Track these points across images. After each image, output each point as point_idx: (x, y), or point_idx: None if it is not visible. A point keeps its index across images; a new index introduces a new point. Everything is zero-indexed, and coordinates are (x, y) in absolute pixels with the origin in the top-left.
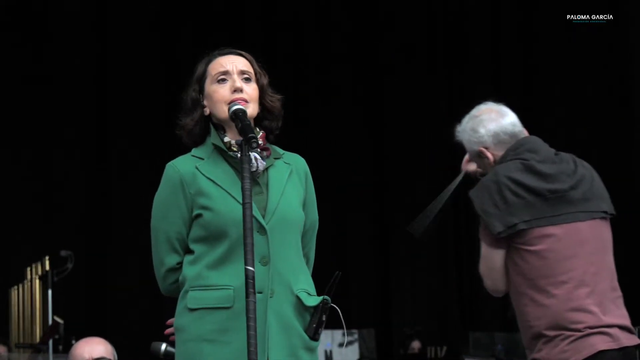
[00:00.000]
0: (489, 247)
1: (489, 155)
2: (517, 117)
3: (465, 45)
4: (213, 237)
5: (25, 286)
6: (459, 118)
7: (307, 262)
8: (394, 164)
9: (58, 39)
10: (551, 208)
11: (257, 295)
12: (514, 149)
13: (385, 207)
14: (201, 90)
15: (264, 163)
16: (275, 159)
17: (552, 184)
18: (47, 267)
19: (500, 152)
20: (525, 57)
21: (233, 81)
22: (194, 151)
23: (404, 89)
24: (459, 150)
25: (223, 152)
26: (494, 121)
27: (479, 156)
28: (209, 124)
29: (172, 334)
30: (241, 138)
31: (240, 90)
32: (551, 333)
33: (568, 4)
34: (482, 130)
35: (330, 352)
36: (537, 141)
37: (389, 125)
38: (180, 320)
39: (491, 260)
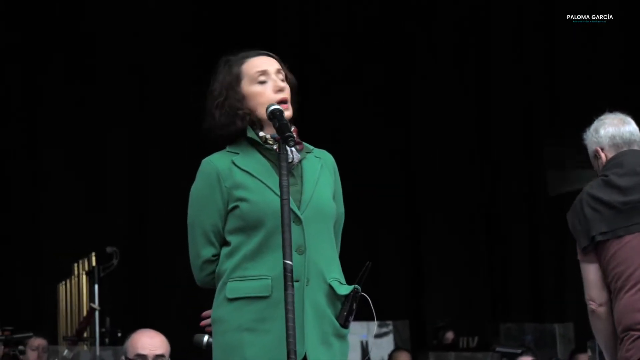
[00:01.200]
0: (582, 262)
1: (603, 156)
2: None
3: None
4: (249, 227)
5: (73, 281)
6: (484, 107)
7: None
8: (424, 156)
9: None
10: (626, 218)
11: (295, 283)
12: (611, 160)
13: (417, 201)
14: (236, 91)
15: (299, 155)
16: (307, 153)
17: (627, 196)
18: (94, 263)
19: (612, 155)
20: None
21: (274, 81)
22: (228, 147)
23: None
24: (486, 139)
25: (258, 145)
26: (614, 126)
27: (595, 157)
28: (243, 122)
29: (208, 325)
30: (275, 132)
31: (282, 90)
32: (622, 335)
33: (568, 4)
34: (602, 132)
35: (366, 343)
36: (630, 154)
37: (417, 116)
38: (219, 311)
39: (585, 273)
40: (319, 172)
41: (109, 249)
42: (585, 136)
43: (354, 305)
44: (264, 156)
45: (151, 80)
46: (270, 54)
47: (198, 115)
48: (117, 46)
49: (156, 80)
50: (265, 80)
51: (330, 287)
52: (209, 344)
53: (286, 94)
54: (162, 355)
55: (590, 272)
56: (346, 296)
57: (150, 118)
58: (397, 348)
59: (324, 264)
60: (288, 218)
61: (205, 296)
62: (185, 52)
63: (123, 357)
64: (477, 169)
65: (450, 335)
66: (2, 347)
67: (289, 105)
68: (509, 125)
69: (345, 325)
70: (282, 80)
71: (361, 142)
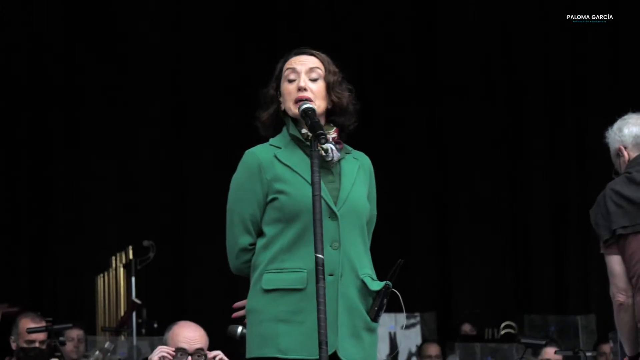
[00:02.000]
0: (606, 255)
1: (625, 154)
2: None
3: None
4: (286, 219)
5: (111, 274)
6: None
7: None
8: (454, 152)
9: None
10: None
11: (329, 277)
12: (635, 159)
13: (446, 193)
14: (278, 87)
15: (339, 154)
16: (347, 153)
17: None
18: (131, 256)
19: (635, 154)
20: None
21: (299, 81)
22: (271, 141)
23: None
24: (514, 136)
25: (300, 142)
26: (638, 125)
27: (617, 155)
28: (284, 117)
29: (241, 317)
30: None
31: (305, 89)
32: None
33: (568, 4)
34: (625, 130)
35: (394, 334)
36: None
37: (448, 116)
38: (254, 302)
39: (610, 266)
40: (357, 172)
41: (145, 243)
42: (607, 134)
43: (385, 300)
44: (305, 152)
45: (185, 70)
46: (315, 53)
47: (233, 106)
48: (152, 35)
49: (191, 70)
50: (293, 79)
51: (363, 282)
52: (242, 335)
53: (306, 93)
54: (201, 349)
55: (616, 264)
56: (377, 292)
57: (186, 110)
58: (427, 340)
59: (357, 260)
60: (320, 213)
61: (240, 288)
62: (221, 39)
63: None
64: (504, 161)
65: (467, 327)
66: (47, 337)
67: (314, 100)
68: (537, 116)
69: (375, 319)
70: (313, 79)
71: (391, 132)
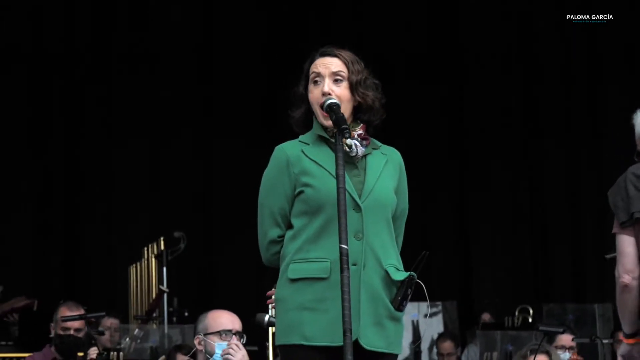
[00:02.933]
0: (619, 235)
1: None
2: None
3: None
4: (312, 211)
5: (143, 264)
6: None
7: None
8: (473, 142)
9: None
10: None
11: (352, 267)
12: None
13: (465, 186)
14: (305, 87)
15: (363, 150)
16: (374, 149)
17: None
18: (162, 247)
19: None
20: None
21: (323, 85)
22: (301, 137)
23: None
24: (532, 127)
25: (325, 139)
26: None
27: None
28: (313, 115)
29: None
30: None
31: (329, 94)
32: None
33: (568, 4)
34: None
35: (417, 322)
36: None
37: (468, 105)
38: (281, 291)
39: (620, 246)
40: (383, 166)
41: (176, 234)
42: (634, 117)
43: (409, 290)
44: (331, 148)
45: (216, 66)
46: (339, 54)
47: (262, 100)
48: (183, 27)
49: (221, 66)
50: (317, 82)
51: (386, 272)
52: (269, 323)
53: (332, 97)
54: (240, 332)
55: (627, 245)
56: (401, 282)
57: (216, 102)
58: (442, 335)
59: (381, 251)
60: (344, 205)
61: (268, 277)
62: (252, 32)
63: (201, 335)
64: (522, 151)
65: (486, 316)
66: (84, 325)
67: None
68: (555, 106)
69: (399, 309)
70: (336, 81)
71: (411, 125)
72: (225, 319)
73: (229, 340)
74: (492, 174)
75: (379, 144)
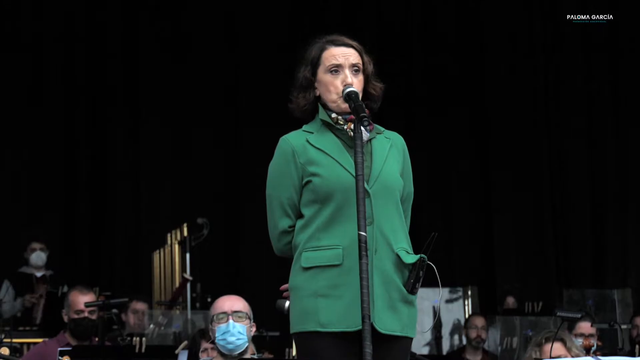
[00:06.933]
0: None
1: None
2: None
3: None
4: (321, 200)
5: (166, 250)
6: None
7: None
8: (496, 127)
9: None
10: None
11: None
12: None
13: (489, 170)
14: (314, 73)
15: (368, 135)
16: (378, 134)
17: None
18: (185, 233)
19: None
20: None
21: (345, 76)
22: (304, 127)
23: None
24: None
25: (330, 126)
26: None
27: None
28: (318, 103)
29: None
30: (347, 114)
31: (350, 84)
32: None
33: (568, 4)
34: None
35: (438, 307)
36: None
37: (490, 88)
38: (295, 279)
39: None
40: (388, 150)
41: (199, 220)
42: None
43: (421, 273)
44: (336, 135)
45: (242, 56)
46: (353, 44)
47: (286, 89)
48: (211, 20)
49: (247, 56)
50: (337, 71)
51: (398, 256)
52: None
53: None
54: (239, 311)
55: None
56: (413, 264)
57: (242, 90)
58: (474, 313)
59: (391, 235)
60: (363, 192)
61: (290, 265)
62: (277, 21)
63: (211, 318)
64: (544, 135)
65: (510, 300)
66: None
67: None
68: (574, 98)
69: (412, 292)
70: (356, 71)
71: (432, 108)
72: (220, 302)
73: (226, 323)
74: (516, 157)
75: (382, 128)
